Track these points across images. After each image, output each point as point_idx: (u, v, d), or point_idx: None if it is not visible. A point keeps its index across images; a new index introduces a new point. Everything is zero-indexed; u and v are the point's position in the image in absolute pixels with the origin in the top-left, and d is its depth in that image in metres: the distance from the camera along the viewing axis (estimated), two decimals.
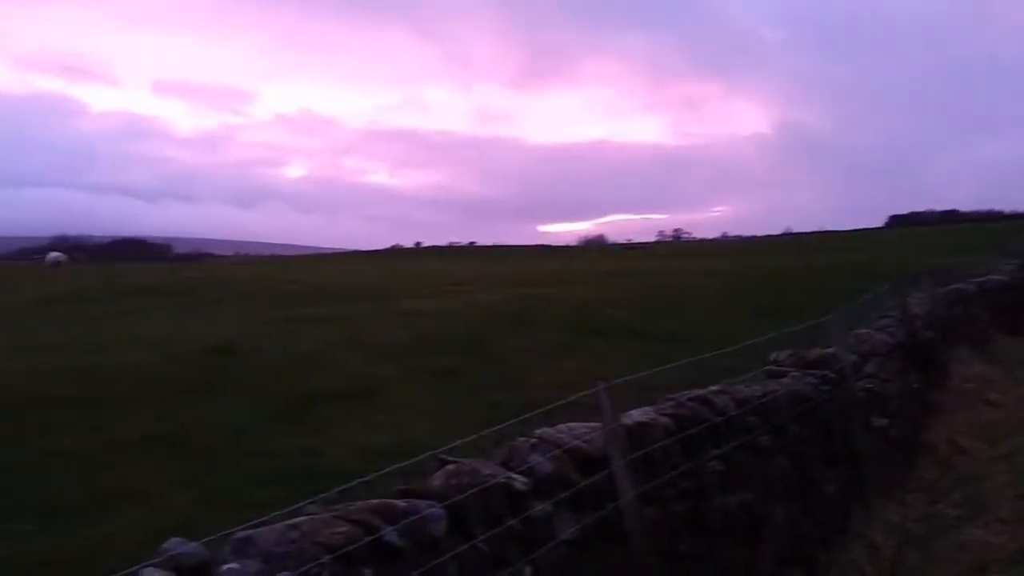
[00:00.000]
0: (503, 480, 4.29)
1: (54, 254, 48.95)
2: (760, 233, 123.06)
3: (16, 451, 7.77)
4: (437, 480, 4.25)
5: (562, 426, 5.11)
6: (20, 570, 5.52)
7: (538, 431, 4.98)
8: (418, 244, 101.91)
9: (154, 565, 3.25)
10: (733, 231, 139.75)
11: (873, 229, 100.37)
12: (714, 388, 5.97)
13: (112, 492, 7.05)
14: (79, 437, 8.24)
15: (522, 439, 4.83)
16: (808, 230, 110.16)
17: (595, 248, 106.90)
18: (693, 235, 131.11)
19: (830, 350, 7.58)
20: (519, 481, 4.38)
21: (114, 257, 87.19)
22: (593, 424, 4.90)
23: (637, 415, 5.20)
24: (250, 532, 3.48)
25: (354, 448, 8.35)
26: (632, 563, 4.64)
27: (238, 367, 11.13)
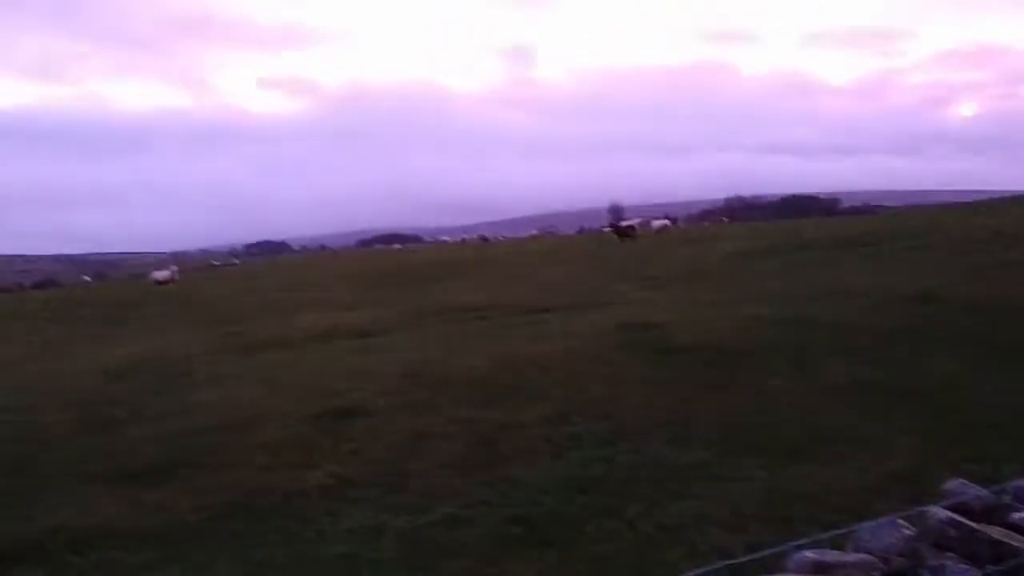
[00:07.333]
0: None
1: (658, 222, 51.56)
2: None
3: (745, 391, 8.55)
4: None
5: None
6: (779, 501, 5.95)
7: None
8: None
9: (941, 506, 3.18)
10: None
11: None
12: None
13: (831, 435, 7.25)
14: (793, 382, 8.70)
15: None
16: None
17: None
18: None
19: None
20: None
21: (786, 214, 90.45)
22: None
23: None
24: None
25: None
26: None
27: (945, 315, 10.53)
